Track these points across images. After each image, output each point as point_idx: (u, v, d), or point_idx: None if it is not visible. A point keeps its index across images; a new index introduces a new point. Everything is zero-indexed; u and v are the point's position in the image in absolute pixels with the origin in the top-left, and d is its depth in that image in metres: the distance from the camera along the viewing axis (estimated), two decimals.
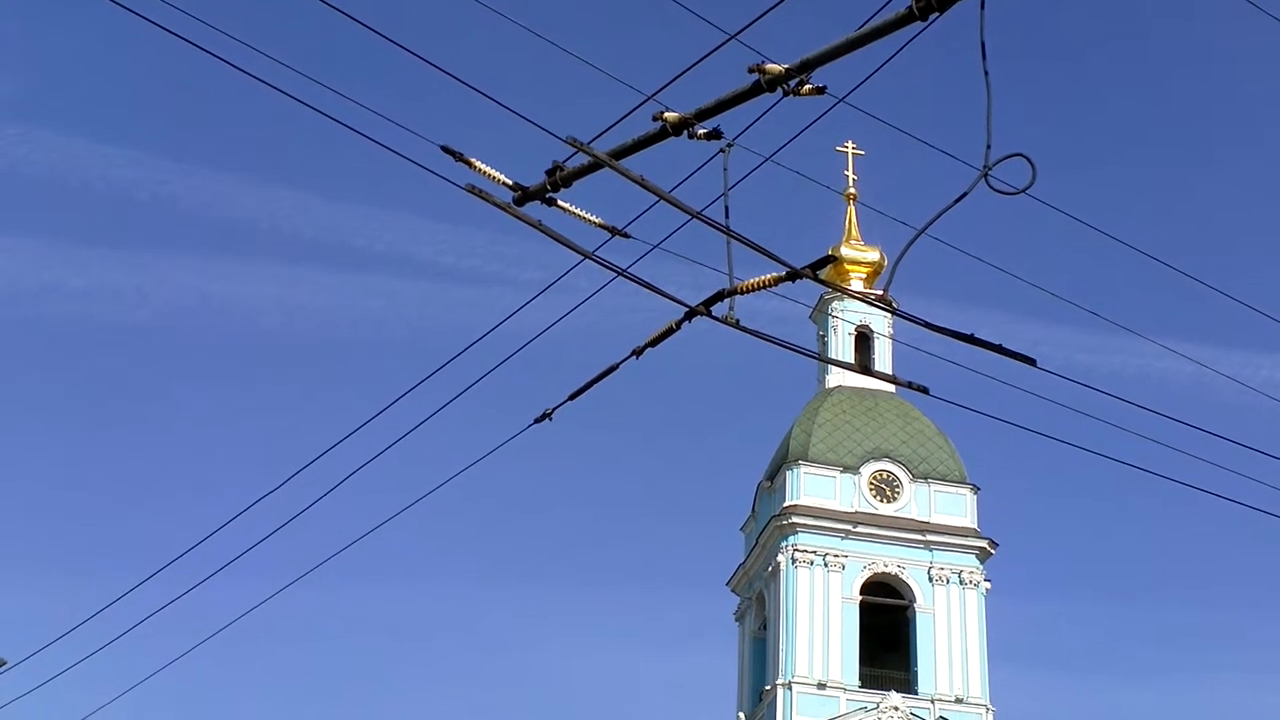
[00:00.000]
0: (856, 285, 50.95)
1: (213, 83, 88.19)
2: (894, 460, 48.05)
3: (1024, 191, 10.01)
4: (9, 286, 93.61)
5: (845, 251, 51.70)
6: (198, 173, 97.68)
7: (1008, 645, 63.50)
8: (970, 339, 11.36)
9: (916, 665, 45.36)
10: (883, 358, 50.34)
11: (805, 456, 47.78)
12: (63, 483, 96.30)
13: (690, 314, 11.61)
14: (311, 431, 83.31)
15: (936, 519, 47.35)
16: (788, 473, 47.68)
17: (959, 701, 44.71)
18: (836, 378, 50.88)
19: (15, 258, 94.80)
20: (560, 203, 10.83)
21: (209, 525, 19.23)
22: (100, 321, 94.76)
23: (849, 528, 46.60)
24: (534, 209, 10.85)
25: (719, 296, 11.38)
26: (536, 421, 14.10)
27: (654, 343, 12.26)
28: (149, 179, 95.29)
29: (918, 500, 47.67)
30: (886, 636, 46.37)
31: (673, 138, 10.41)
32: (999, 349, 11.44)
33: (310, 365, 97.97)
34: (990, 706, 45.02)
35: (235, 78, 10.81)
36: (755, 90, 10.05)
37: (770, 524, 47.33)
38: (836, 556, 46.14)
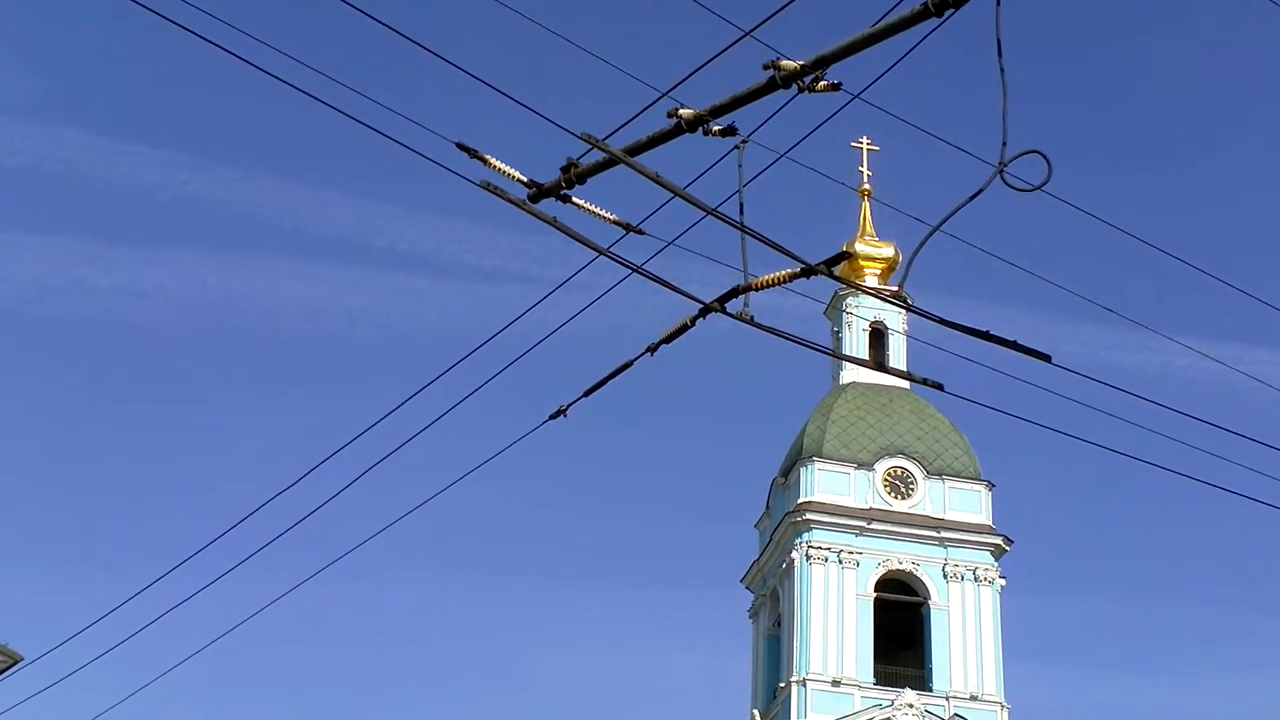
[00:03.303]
0: (871, 281, 50.89)
1: (234, 82, 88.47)
2: (908, 457, 47.99)
3: (1040, 188, 10.00)
4: (32, 284, 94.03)
5: (860, 248, 51.65)
6: (220, 171, 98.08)
7: (1022, 642, 63.38)
8: (985, 335, 11.35)
9: (931, 662, 45.32)
10: (897, 354, 50.31)
11: (820, 453, 47.74)
12: (81, 480, 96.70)
13: (705, 310, 11.61)
14: (331, 429, 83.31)
15: (951, 516, 47.29)
16: (802, 469, 47.65)
17: (974, 699, 44.65)
18: (851, 374, 50.81)
19: (38, 255, 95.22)
20: (575, 199, 10.83)
21: (226, 522, 19.28)
22: (122, 319, 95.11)
23: (863, 524, 46.56)
24: (549, 206, 10.85)
25: (734, 293, 11.37)
26: (551, 418, 14.09)
27: (669, 339, 12.25)
28: (171, 178, 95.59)
29: (932, 497, 47.62)
30: (901, 633, 46.33)
31: (688, 134, 10.40)
32: (1014, 345, 11.42)
33: (331, 363, 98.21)
34: (1005, 704, 44.96)
35: (256, 77, 10.85)
36: (770, 87, 10.04)
37: (784, 520, 47.30)
38: (851, 553, 46.10)
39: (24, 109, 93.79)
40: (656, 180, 10.55)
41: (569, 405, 13.76)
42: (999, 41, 9.87)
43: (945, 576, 46.38)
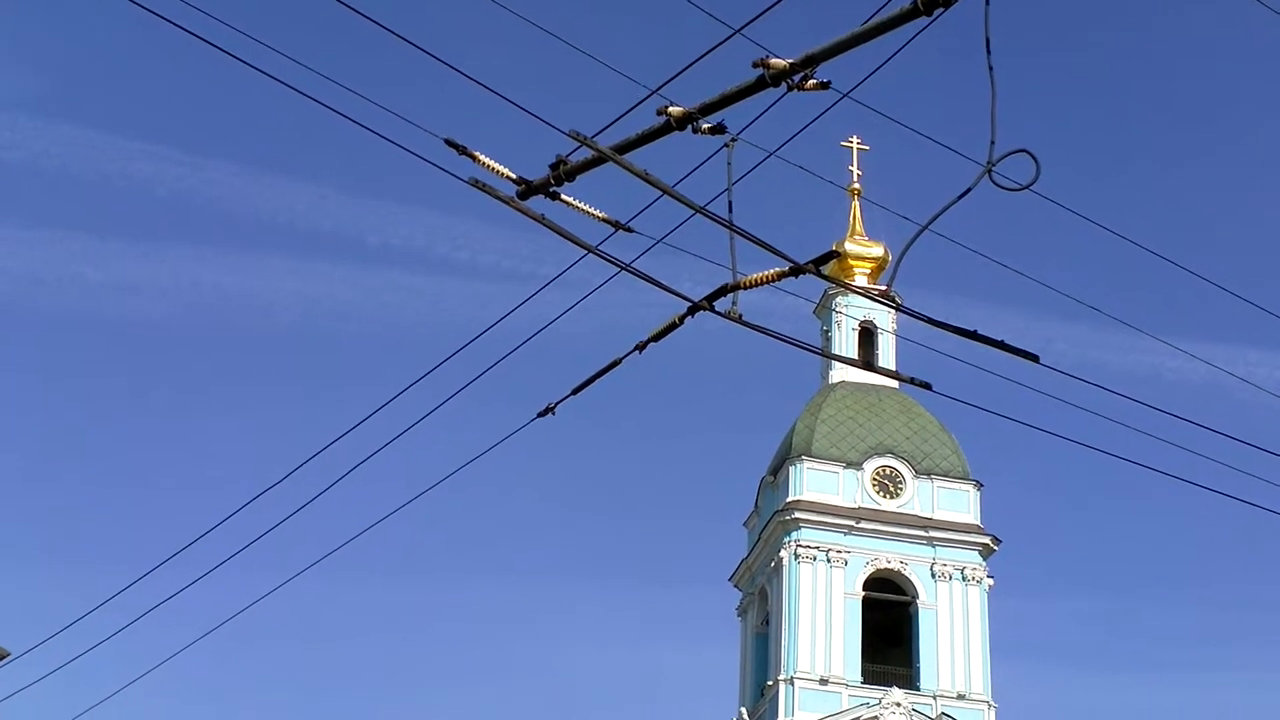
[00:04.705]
0: (860, 281, 50.93)
1: (229, 79, 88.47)
2: (897, 456, 48.02)
3: (1028, 188, 10.01)
4: (28, 279, 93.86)
5: (849, 247, 51.67)
6: (216, 168, 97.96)
7: (1010, 641, 63.57)
8: (973, 335, 11.37)
9: (919, 661, 45.35)
10: (886, 353, 50.35)
11: (808, 452, 47.76)
12: (71, 474, 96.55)
13: (693, 309, 11.61)
14: (323, 425, 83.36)
15: (939, 515, 47.32)
16: (791, 468, 47.66)
17: (961, 698, 44.70)
18: (840, 373, 50.85)
19: (34, 250, 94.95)
20: (564, 197, 10.83)
21: (215, 517, 19.24)
22: (117, 315, 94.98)
23: (852, 523, 46.58)
24: (537, 203, 10.85)
25: (722, 291, 11.38)
26: (539, 416, 14.09)
27: (657, 337, 12.26)
28: (167, 174, 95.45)
29: (920, 496, 47.65)
30: (889, 632, 46.36)
31: (677, 132, 10.40)
32: (1001, 345, 11.44)
33: (326, 359, 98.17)
34: (992, 703, 45.02)
35: (251, 75, 10.86)
36: (759, 85, 10.04)
37: (773, 519, 47.31)
38: (839, 552, 46.13)
39: (21, 104, 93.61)
40: (645, 178, 10.55)
41: (557, 403, 13.76)
42: (988, 41, 9.88)
43: (933, 576, 46.42)
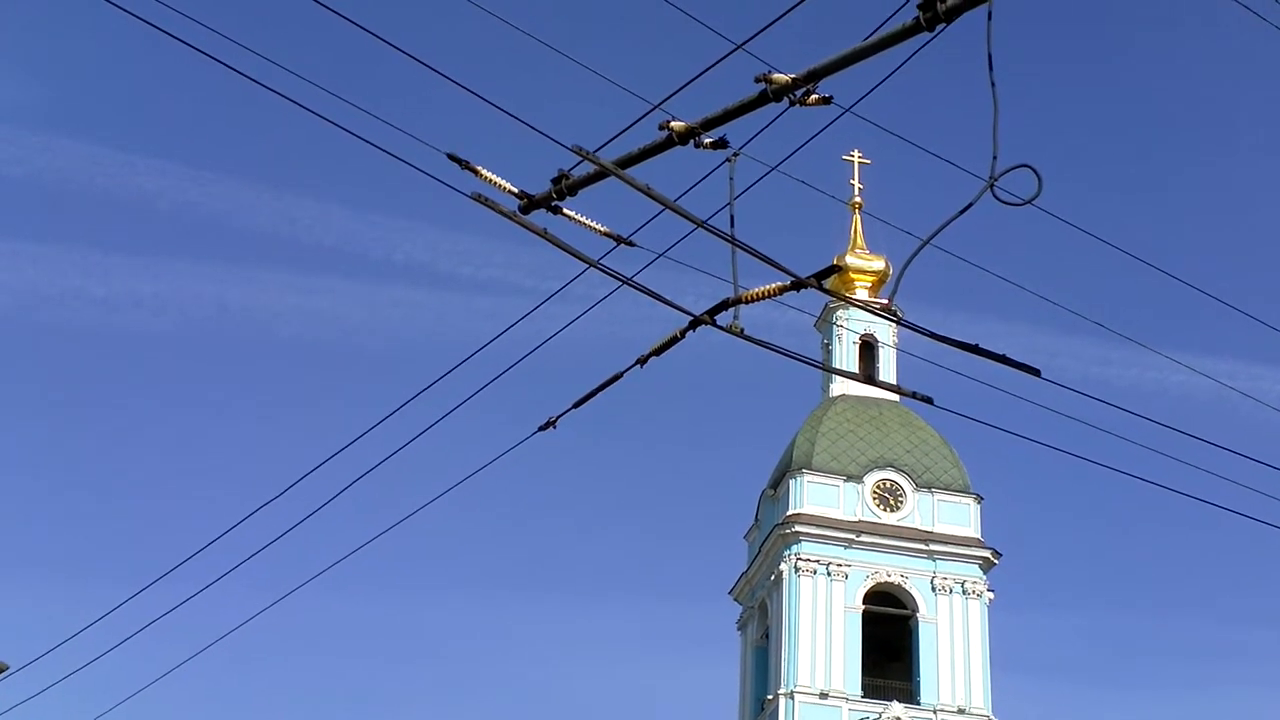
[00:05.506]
0: (861, 295, 50.93)
1: (232, 94, 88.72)
2: (898, 470, 48.00)
3: (1030, 202, 10.01)
4: (30, 293, 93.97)
5: (850, 261, 51.72)
6: (218, 182, 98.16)
7: (1011, 656, 63.44)
8: (974, 349, 11.36)
9: (919, 675, 45.29)
10: (887, 367, 50.38)
11: (809, 465, 47.74)
12: (70, 488, 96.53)
13: (695, 323, 11.62)
14: (325, 439, 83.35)
15: (940, 529, 47.29)
16: (791, 481, 47.65)
17: (961, 712, 44.64)
18: (840, 387, 50.86)
19: (36, 264, 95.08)
20: (566, 211, 10.84)
21: (214, 531, 19.24)
22: (119, 329, 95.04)
23: (852, 537, 46.55)
24: (540, 217, 10.87)
25: (724, 305, 11.39)
26: (540, 429, 14.07)
27: (658, 351, 12.26)
28: (170, 188, 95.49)
29: (921, 510, 47.63)
30: (889, 646, 46.31)
31: (679, 147, 10.41)
32: (1003, 359, 11.43)
33: (328, 374, 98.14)
34: (993, 717, 44.95)
35: (254, 89, 10.87)
36: (761, 100, 10.06)
37: (773, 533, 47.28)
38: (839, 566, 46.10)
39: (24, 119, 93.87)
40: (647, 193, 10.56)
41: (558, 417, 13.75)
42: (990, 56, 9.89)
43: (934, 589, 46.38)
